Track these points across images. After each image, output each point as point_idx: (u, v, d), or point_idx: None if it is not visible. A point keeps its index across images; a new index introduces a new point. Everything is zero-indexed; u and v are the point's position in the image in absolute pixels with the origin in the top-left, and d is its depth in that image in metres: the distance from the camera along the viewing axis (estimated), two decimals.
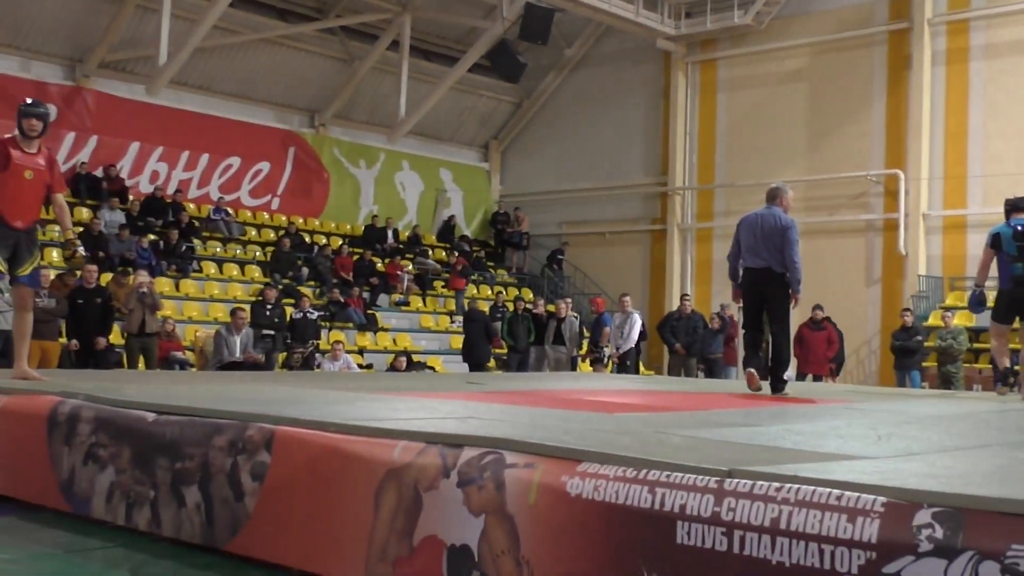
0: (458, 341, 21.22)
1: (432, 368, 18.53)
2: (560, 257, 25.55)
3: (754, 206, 9.48)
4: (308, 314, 17.15)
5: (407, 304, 22.11)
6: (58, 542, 5.14)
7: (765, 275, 8.66)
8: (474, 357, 18.08)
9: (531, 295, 23.17)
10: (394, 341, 20.13)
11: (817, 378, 16.95)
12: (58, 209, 7.68)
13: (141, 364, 13.92)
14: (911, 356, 17.26)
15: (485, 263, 25.83)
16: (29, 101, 7.54)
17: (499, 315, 19.83)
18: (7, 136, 7.33)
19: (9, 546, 5.01)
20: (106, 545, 5.05)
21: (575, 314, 18.22)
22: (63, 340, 13.53)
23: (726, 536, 3.10)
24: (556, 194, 26.47)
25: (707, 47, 24.38)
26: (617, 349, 16.53)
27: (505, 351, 18.60)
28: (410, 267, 22.97)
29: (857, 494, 2.95)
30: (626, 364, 16.54)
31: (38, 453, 5.69)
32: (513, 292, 23.37)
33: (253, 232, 22.26)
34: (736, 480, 3.19)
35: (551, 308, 18.24)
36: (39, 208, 7.58)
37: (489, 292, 23.65)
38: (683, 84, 24.50)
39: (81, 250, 7.66)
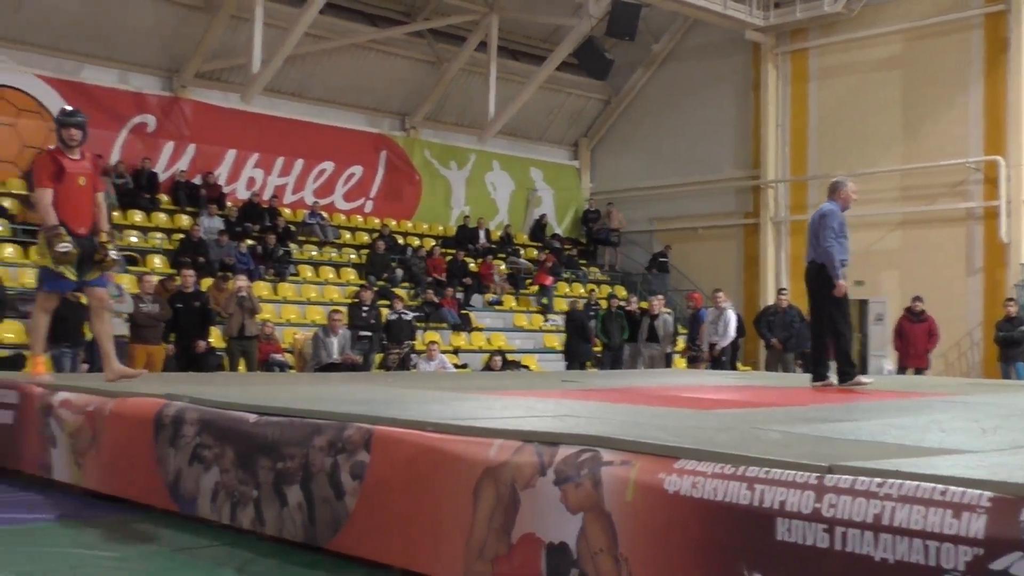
0: (552, 340, 21.27)
1: (527, 367, 18.56)
2: (663, 260, 25.28)
3: None
4: (403, 315, 17.32)
5: (500, 303, 22.19)
6: (166, 541, 5.28)
7: (811, 268, 8.60)
8: (574, 355, 18.12)
9: (624, 292, 23.06)
10: (488, 340, 20.22)
11: (919, 371, 16.56)
12: (97, 209, 7.77)
13: (242, 366, 14.21)
14: (1016, 347, 16.75)
15: (577, 261, 25.80)
16: (67, 110, 7.75)
17: (592, 313, 19.78)
18: (51, 149, 7.54)
19: (120, 545, 5.17)
20: (212, 544, 5.17)
21: (668, 311, 18.10)
22: (167, 344, 13.86)
23: (827, 533, 3.06)
24: (646, 190, 26.31)
25: (797, 37, 23.98)
26: (713, 346, 16.35)
27: (599, 349, 18.55)
28: (502, 267, 23.05)
29: (963, 489, 2.89)
30: (722, 360, 16.36)
31: (145, 455, 5.85)
32: (606, 290, 23.29)
33: (348, 235, 22.55)
34: (837, 476, 3.14)
35: (644, 305, 18.13)
36: (94, 212, 7.71)
37: (582, 290, 23.60)
38: (773, 75, 24.15)
39: (112, 254, 7.78)
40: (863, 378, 8.85)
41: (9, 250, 16.58)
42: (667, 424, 4.76)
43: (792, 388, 8.81)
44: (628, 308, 18.20)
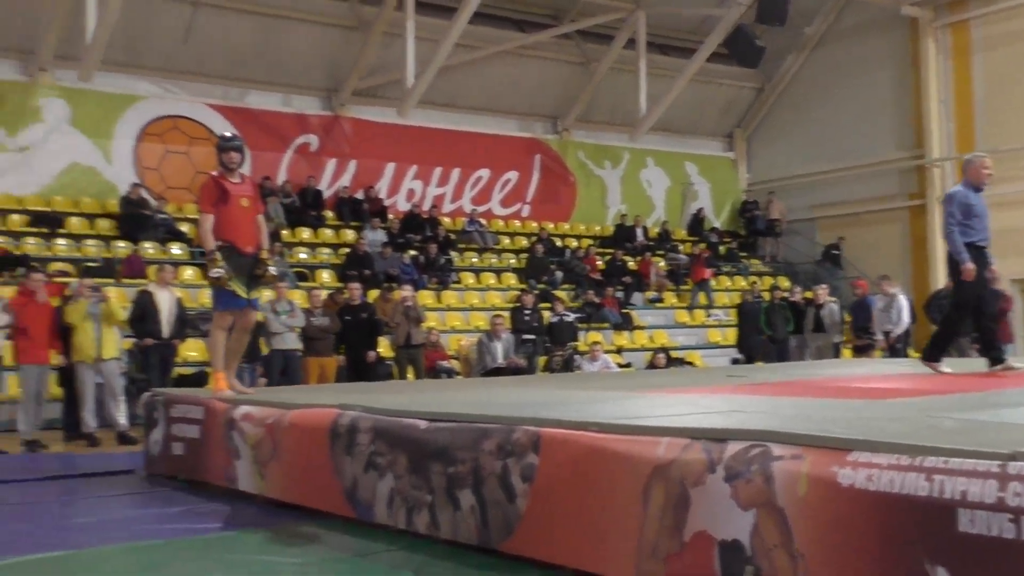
0: (716, 335, 20.99)
1: (691, 364, 18.37)
2: (836, 252, 24.56)
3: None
4: (564, 317, 17.39)
5: (661, 301, 22.03)
6: (346, 546, 5.45)
7: (949, 254, 8.32)
8: (745, 349, 17.86)
9: (787, 283, 22.56)
10: (651, 338, 20.10)
11: None
12: (258, 229, 8.11)
13: (410, 374, 14.53)
14: None
15: (737, 254, 25.38)
16: (227, 136, 8.09)
17: (756, 306, 19.42)
18: (213, 174, 7.86)
19: (302, 551, 5.37)
20: (389, 548, 5.31)
21: (834, 300, 17.62)
22: (338, 356, 14.28)
23: (1013, 523, 2.94)
24: (806, 177, 25.62)
25: (957, 8, 22.97)
26: (887, 334, 15.80)
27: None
28: (661, 263, 22.88)
29: None
30: (897, 348, 15.79)
31: (323, 463, 6.06)
32: (768, 281, 22.84)
33: (506, 240, 22.79)
34: (1021, 463, 3.01)
35: (808, 295, 17.69)
36: (258, 232, 8.05)
37: (743, 283, 23.20)
38: (933, 50, 23.20)
39: (272, 269, 8.09)
40: (1014, 362, 8.50)
41: (188, 272, 17.41)
42: (837, 416, 4.65)
43: (966, 374, 8.46)
44: (792, 299, 17.79)
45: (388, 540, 5.46)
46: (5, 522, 6.47)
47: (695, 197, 26.67)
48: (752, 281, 22.73)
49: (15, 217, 17.48)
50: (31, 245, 16.71)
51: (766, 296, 18.82)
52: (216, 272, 7.61)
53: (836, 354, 16.80)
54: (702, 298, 22.21)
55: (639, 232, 23.99)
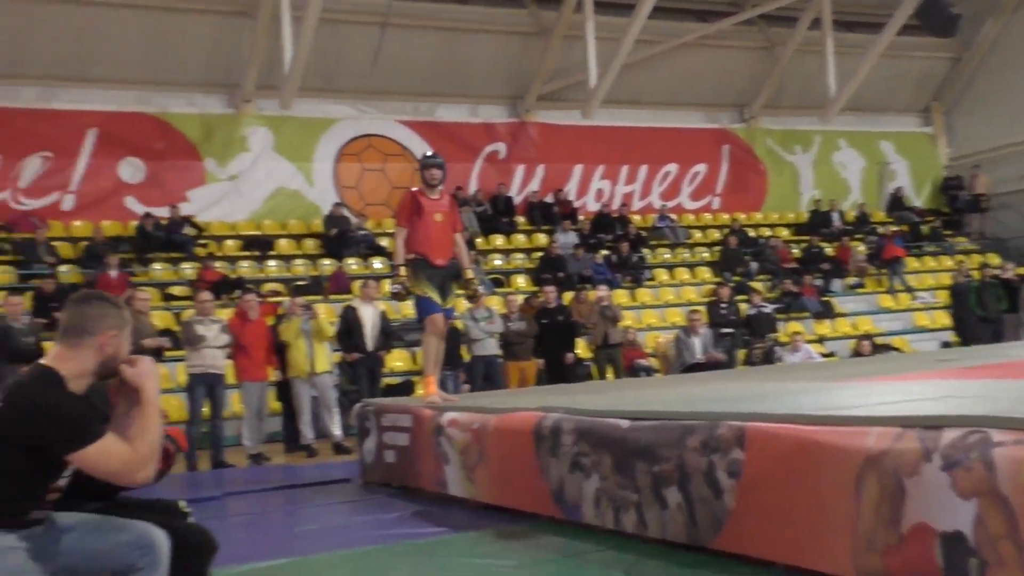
0: (923, 318, 20.16)
1: (898, 349, 17.71)
2: None
3: None
4: (762, 308, 17.07)
5: (862, 286, 21.30)
6: (556, 547, 5.52)
7: None
8: (961, 331, 17.09)
9: (998, 260, 21.41)
10: (854, 326, 19.47)
11: None
12: (457, 248, 8.36)
13: (609, 374, 14.56)
14: None
15: (941, 232, 24.26)
16: (428, 154, 8.40)
17: (966, 286, 18.54)
18: (413, 189, 8.13)
19: (513, 553, 5.48)
20: (599, 548, 5.35)
21: None
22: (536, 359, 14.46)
23: None
24: (1013, 147, 24.19)
25: None
26: None
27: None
28: (861, 247, 22.12)
29: None
30: None
31: (528, 465, 6.16)
32: (977, 259, 21.75)
33: (698, 234, 22.53)
34: None
35: (1021, 271, 16.78)
36: (452, 246, 8.29)
37: (949, 263, 22.18)
38: None
39: (481, 288, 8.30)
40: None
41: (390, 285, 17.95)
42: None
43: None
44: (1004, 276, 16.89)
45: (597, 540, 5.51)
46: (238, 531, 6.85)
47: (893, 177, 25.64)
48: (959, 260, 21.68)
49: (229, 242, 18.51)
50: (245, 268, 17.65)
51: (976, 275, 17.94)
52: (395, 288, 7.94)
53: None
54: (896, 283, 21.33)
55: (835, 217, 23.28)
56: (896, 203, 24.76)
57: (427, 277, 8.00)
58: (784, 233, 23.05)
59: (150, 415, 3.31)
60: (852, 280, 21.37)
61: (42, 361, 3.38)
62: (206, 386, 11.11)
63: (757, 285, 19.55)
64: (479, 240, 19.55)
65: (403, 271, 7.98)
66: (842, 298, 20.69)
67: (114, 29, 17.91)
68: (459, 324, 13.52)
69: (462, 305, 13.02)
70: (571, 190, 22.13)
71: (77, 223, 17.91)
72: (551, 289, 15.05)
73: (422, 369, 8.39)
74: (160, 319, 14.34)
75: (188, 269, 17.08)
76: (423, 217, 7.99)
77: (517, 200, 21.47)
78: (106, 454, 3.16)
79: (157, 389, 3.40)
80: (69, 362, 3.31)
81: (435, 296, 8.04)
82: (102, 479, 3.33)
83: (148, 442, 3.26)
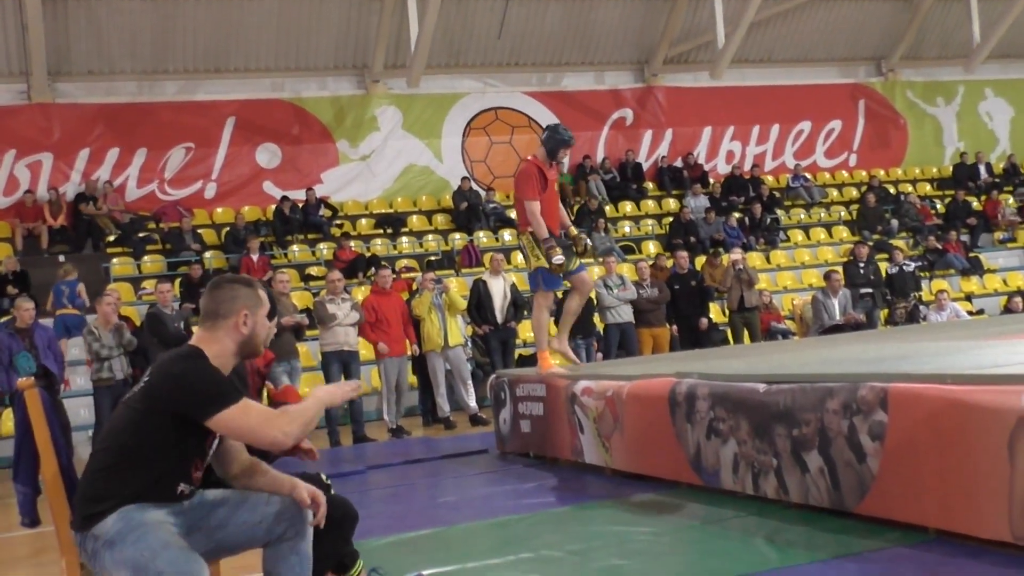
0: None
1: None
2: None
3: None
4: (904, 267, 16.51)
5: (1013, 240, 20.39)
6: (695, 514, 5.45)
7: None
8: None
9: None
10: (1004, 282, 18.68)
11: None
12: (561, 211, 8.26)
13: (746, 338, 14.32)
14: None
15: None
16: (570, 134, 8.10)
17: None
18: (532, 159, 7.96)
19: (654, 520, 5.43)
20: (739, 514, 5.26)
21: None
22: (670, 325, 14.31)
23: None
24: None
25: None
26: None
27: None
28: (1010, 200, 21.15)
29: None
30: None
31: (664, 432, 6.10)
32: None
33: (834, 193, 21.92)
34: None
35: None
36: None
37: None
38: None
39: (613, 256, 8.11)
40: None
41: (520, 257, 18.02)
42: None
43: None
44: None
45: (737, 506, 5.41)
46: (380, 503, 6.98)
47: None
48: None
49: (363, 221, 18.85)
50: (379, 246, 17.94)
51: None
52: (558, 259, 7.77)
53: None
54: None
55: (982, 169, 22.33)
56: None
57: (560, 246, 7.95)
58: (926, 188, 22.25)
59: (312, 407, 3.38)
60: (1001, 234, 20.48)
61: (189, 343, 3.48)
62: (340, 363, 11.32)
63: (898, 243, 18.92)
64: (608, 207, 19.42)
65: (555, 246, 7.82)
66: (991, 253, 19.85)
67: (249, 19, 18.36)
68: (592, 293, 13.47)
69: (593, 273, 12.96)
70: (700, 153, 21.78)
71: (219, 210, 18.51)
72: (683, 254, 14.86)
73: (537, 344, 8.25)
74: (300, 300, 14.68)
75: (324, 249, 17.46)
76: (547, 189, 7.93)
77: (646, 166, 21.26)
78: (245, 412, 3.21)
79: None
80: (211, 344, 3.41)
81: (571, 265, 7.97)
82: (243, 441, 3.41)
83: (299, 411, 3.31)
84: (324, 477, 4.15)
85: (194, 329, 3.76)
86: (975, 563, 3.91)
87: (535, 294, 8.15)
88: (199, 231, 17.46)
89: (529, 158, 8.14)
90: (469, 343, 13.26)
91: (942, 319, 14.38)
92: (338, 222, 18.41)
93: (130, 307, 14.38)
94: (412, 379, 12.84)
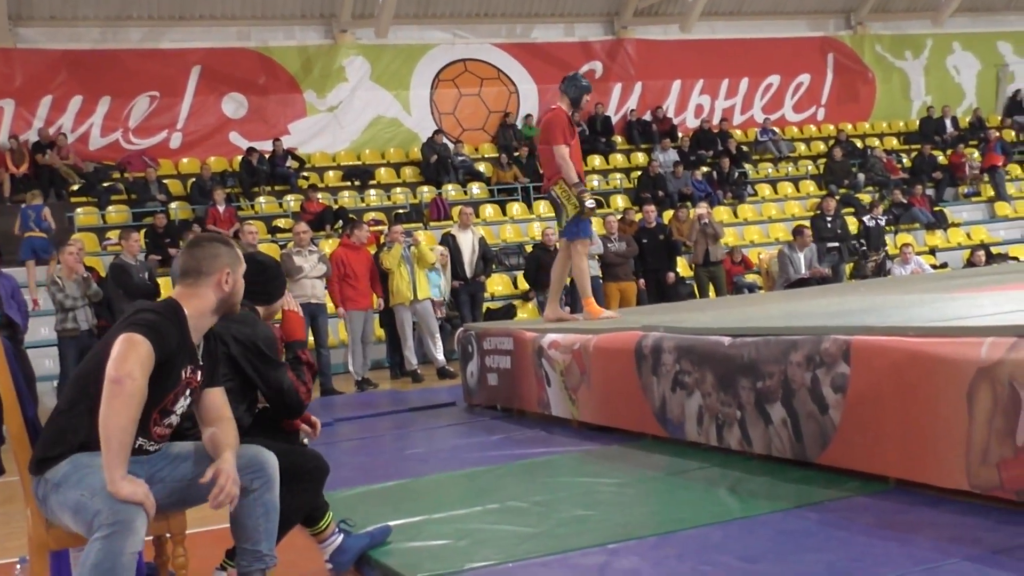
0: None
1: (1016, 259, 17.11)
2: None
3: None
4: (879, 220, 16.65)
5: (978, 194, 20.57)
6: (659, 465, 5.51)
7: None
8: None
9: None
10: (968, 235, 18.87)
11: None
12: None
13: (711, 292, 14.40)
14: None
15: None
16: (583, 78, 8.12)
17: None
18: (558, 108, 7.93)
19: (617, 471, 5.48)
20: (703, 465, 5.32)
21: None
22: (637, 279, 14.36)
23: None
24: None
25: None
26: None
27: None
28: (975, 155, 21.30)
29: None
30: None
31: (631, 385, 6.14)
32: None
33: (802, 147, 22.00)
34: None
35: None
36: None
37: None
38: None
39: (591, 203, 8.06)
40: None
41: (489, 210, 18.02)
42: None
43: None
44: None
45: (701, 457, 5.47)
46: (349, 455, 7.01)
47: (1011, 79, 24.52)
48: None
49: (330, 173, 18.73)
50: (346, 198, 17.84)
51: None
52: (591, 202, 7.77)
53: None
54: (1009, 189, 20.49)
55: (948, 123, 22.45)
56: (1015, 107, 23.72)
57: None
58: (893, 142, 22.37)
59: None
60: (966, 188, 20.65)
61: (169, 296, 3.46)
62: (307, 315, 11.27)
63: (864, 197, 19.04)
64: None
65: (587, 190, 7.80)
66: (955, 207, 20.04)
67: None
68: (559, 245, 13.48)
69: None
70: (670, 107, 21.76)
71: (184, 160, 18.32)
72: (651, 208, 14.88)
73: (580, 292, 8.18)
74: (267, 251, 14.60)
75: (292, 201, 17.35)
76: (574, 138, 7.92)
77: (615, 119, 21.20)
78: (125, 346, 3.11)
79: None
80: (191, 300, 3.41)
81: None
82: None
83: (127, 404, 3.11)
84: (302, 437, 4.18)
85: (159, 281, 3.73)
86: (933, 511, 3.98)
87: (572, 242, 7.92)
88: (164, 181, 17.29)
89: (554, 107, 8.11)
90: (447, 298, 13.18)
91: (906, 272, 14.52)
92: (305, 174, 18.28)
93: (94, 257, 14.25)
94: (379, 332, 12.83)
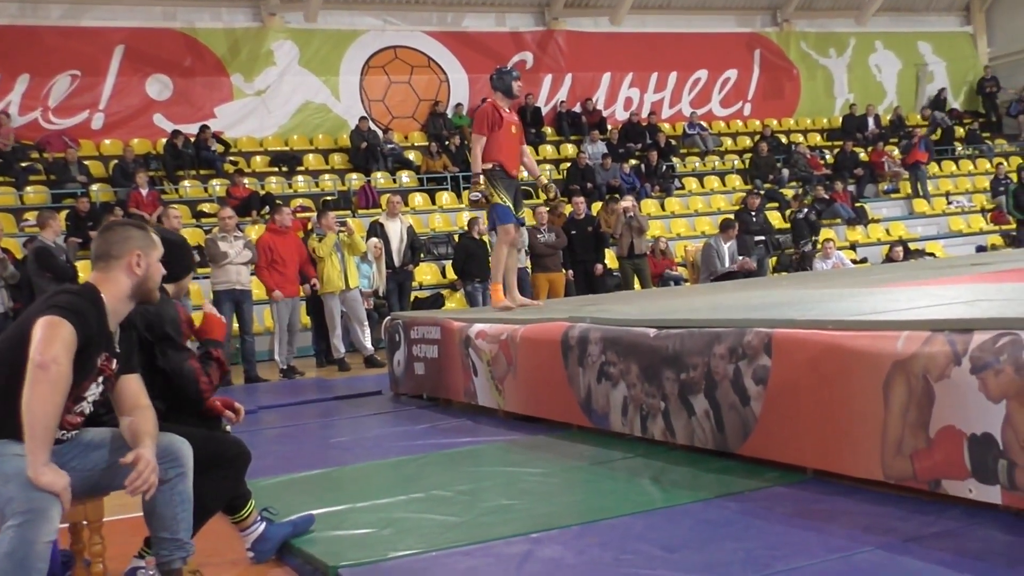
0: (958, 222, 19.90)
1: (932, 255, 17.53)
2: None
3: None
4: (809, 215, 16.96)
5: (897, 191, 21.02)
6: (584, 455, 5.55)
7: None
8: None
9: None
10: (887, 231, 19.28)
11: None
12: (527, 158, 8.46)
13: (637, 284, 14.52)
14: None
15: (979, 135, 23.79)
16: (511, 68, 8.32)
17: (1002, 189, 18.27)
18: (491, 100, 8.09)
19: (542, 461, 5.51)
20: (627, 455, 5.38)
21: None
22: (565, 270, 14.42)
23: None
24: None
25: None
26: None
27: (1013, 227, 17.15)
28: (895, 152, 21.76)
29: None
30: None
31: (557, 375, 6.18)
32: (1016, 162, 21.36)
33: (729, 141, 22.27)
34: None
35: None
36: (521, 159, 8.34)
37: (988, 166, 21.83)
38: None
39: (556, 191, 8.31)
40: None
41: (418, 199, 17.95)
42: None
43: None
44: None
45: (625, 447, 5.53)
46: (272, 443, 6.95)
47: (931, 79, 25.11)
48: (998, 163, 21.34)
49: (257, 159, 18.50)
50: (273, 184, 17.64)
51: (1013, 178, 17.65)
52: (474, 195, 7.91)
53: None
54: (945, 185, 20.99)
55: (870, 121, 22.90)
56: (933, 106, 24.26)
57: (505, 187, 7.99)
58: (817, 139, 22.75)
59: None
60: (886, 185, 21.09)
61: (87, 281, 3.41)
62: (232, 302, 11.18)
63: (788, 192, 19.35)
64: None
65: (481, 180, 7.94)
66: (875, 203, 20.46)
67: None
68: (486, 237, 13.50)
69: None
70: (599, 99, 21.87)
71: (107, 142, 17.95)
72: (580, 200, 14.95)
73: (491, 276, 8.36)
74: (191, 236, 14.38)
75: (217, 186, 17.10)
76: (502, 128, 7.98)
77: (545, 110, 21.24)
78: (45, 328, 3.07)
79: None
80: (106, 285, 3.36)
81: (512, 205, 8.05)
82: None
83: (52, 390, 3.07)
84: (224, 424, 4.14)
85: (77, 265, 3.67)
86: (848, 500, 4.07)
87: (494, 230, 8.20)
88: (85, 163, 16.92)
89: (487, 100, 8.20)
90: (381, 289, 13.10)
91: (827, 267, 14.78)
92: (232, 159, 18.02)
93: (11, 239, 13.89)
94: (305, 320, 12.73)
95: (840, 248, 16.81)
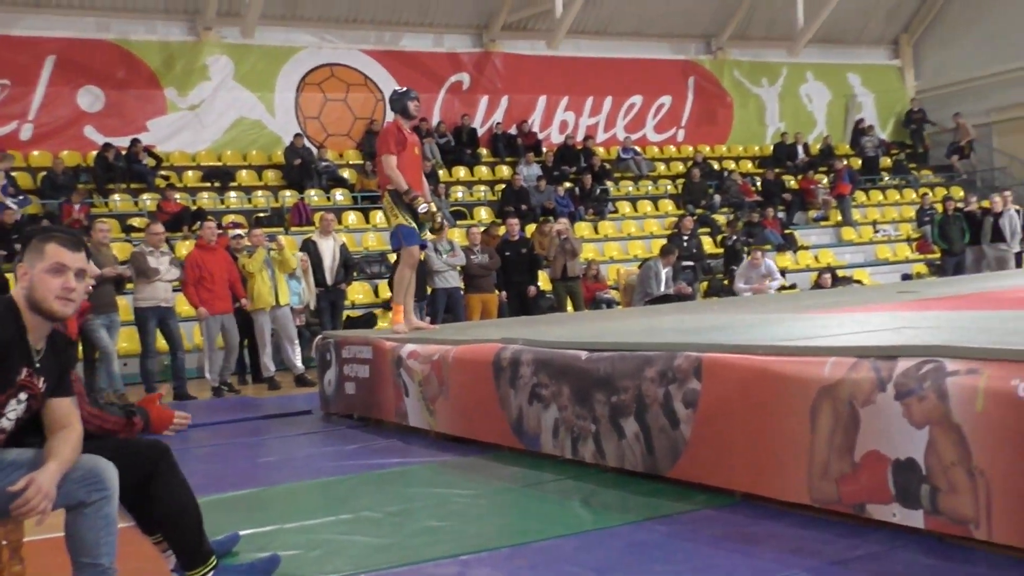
0: (885, 251, 20.30)
1: (859, 282, 17.84)
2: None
3: None
4: (740, 240, 17.20)
5: (826, 219, 21.40)
6: (515, 477, 5.55)
7: None
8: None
9: (961, 193, 21.53)
10: (816, 258, 19.60)
11: None
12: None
13: (569, 307, 14.57)
14: None
15: (905, 165, 24.33)
16: (408, 89, 8.31)
17: (927, 218, 18.69)
18: (392, 122, 8.19)
19: (472, 483, 5.49)
20: (558, 477, 5.38)
21: (1017, 208, 16.78)
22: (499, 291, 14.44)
23: None
24: (982, 80, 24.04)
25: None
26: None
27: (938, 256, 17.54)
28: (824, 181, 22.16)
29: None
30: None
31: (488, 397, 6.17)
32: (941, 192, 21.88)
33: (662, 167, 22.49)
34: None
35: (986, 204, 16.89)
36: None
37: (913, 195, 22.33)
38: None
39: (444, 221, 8.32)
40: None
41: (352, 217, 17.86)
42: (1018, 327, 4.44)
43: None
44: (967, 209, 17.03)
45: (556, 470, 5.53)
46: (200, 462, 6.83)
47: (859, 109, 25.64)
48: (923, 192, 21.83)
49: (189, 173, 18.26)
50: (205, 200, 17.43)
51: (939, 208, 18.08)
52: (424, 207, 7.87)
53: (1019, 264, 16.05)
54: (872, 214, 21.42)
55: (800, 150, 23.30)
56: (859, 136, 24.75)
57: (408, 208, 7.98)
58: (748, 166, 23.07)
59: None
60: (815, 213, 21.46)
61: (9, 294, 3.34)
62: (157, 319, 11.04)
63: (719, 218, 19.58)
64: (442, 172, 19.39)
65: (420, 196, 7.90)
66: (804, 231, 20.79)
67: None
68: (421, 256, 13.45)
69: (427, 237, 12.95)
70: (535, 121, 21.97)
71: (36, 153, 17.59)
72: (514, 221, 14.99)
73: (392, 298, 8.38)
74: (120, 251, 14.13)
75: (148, 200, 16.85)
76: (405, 148, 7.97)
77: (481, 131, 21.29)
78: None
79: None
80: (16, 296, 3.29)
81: (416, 227, 8.03)
82: None
83: None
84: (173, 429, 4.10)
85: (8, 276, 3.61)
86: (776, 524, 4.12)
87: (399, 251, 8.20)
88: (13, 174, 16.56)
89: (389, 120, 8.24)
90: (311, 304, 13.00)
91: (758, 275, 14.96)
92: (164, 173, 17.77)
93: None
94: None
95: None
